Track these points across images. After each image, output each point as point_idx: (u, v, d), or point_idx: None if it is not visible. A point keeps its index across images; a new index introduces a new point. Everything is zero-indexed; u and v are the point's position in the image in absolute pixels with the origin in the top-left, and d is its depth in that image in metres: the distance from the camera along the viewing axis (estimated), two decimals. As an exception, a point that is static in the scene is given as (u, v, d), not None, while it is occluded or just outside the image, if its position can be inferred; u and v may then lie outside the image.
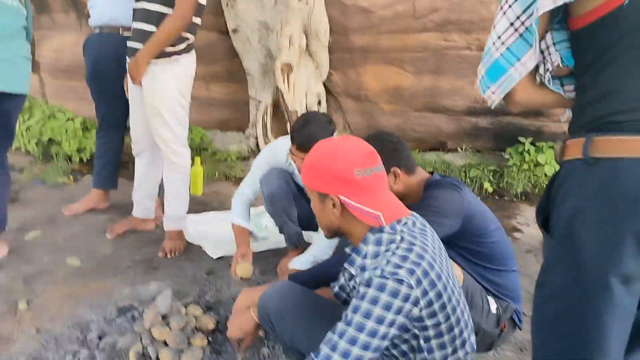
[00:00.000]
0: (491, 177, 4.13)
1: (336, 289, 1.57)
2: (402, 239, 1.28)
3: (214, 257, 2.88)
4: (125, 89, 2.99)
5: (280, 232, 2.75)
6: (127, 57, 2.81)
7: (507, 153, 4.14)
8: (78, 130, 4.53)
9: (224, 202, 3.81)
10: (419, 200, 1.99)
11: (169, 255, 2.87)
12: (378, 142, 2.05)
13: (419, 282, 1.20)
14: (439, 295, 1.23)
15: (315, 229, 2.85)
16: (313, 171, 1.36)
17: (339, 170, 1.29)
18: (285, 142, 2.66)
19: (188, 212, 3.08)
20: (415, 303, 1.20)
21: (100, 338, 2.13)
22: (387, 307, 1.18)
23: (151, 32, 2.62)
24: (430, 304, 1.22)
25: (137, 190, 3.12)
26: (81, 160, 4.50)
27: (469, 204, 1.92)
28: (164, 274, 2.69)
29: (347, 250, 1.45)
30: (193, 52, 2.79)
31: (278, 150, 2.70)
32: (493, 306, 1.93)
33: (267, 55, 4.12)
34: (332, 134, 2.38)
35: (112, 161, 3.41)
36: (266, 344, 2.15)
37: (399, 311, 1.18)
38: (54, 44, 4.68)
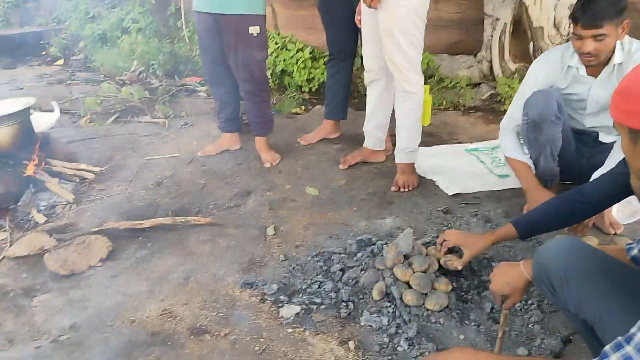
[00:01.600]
0: None
1: (635, 251, 1.26)
2: None
3: (449, 193, 2.70)
4: (356, 13, 2.89)
5: (534, 164, 2.38)
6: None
7: None
8: (307, 61, 4.64)
9: (453, 133, 3.57)
10: None
11: (402, 189, 2.77)
12: None
13: None
14: None
15: (573, 180, 2.44)
16: (625, 97, 1.00)
17: None
18: (561, 46, 2.26)
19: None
20: None
21: (342, 271, 2.14)
22: None
23: None
24: None
25: (368, 121, 3.05)
26: (310, 90, 4.63)
27: None
28: (398, 208, 2.61)
29: None
30: None
31: (553, 55, 2.29)
32: None
33: (510, -35, 3.60)
34: (623, 9, 1.99)
35: (343, 91, 3.40)
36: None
37: None
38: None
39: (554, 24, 3.52)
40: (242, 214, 2.64)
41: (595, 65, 2.15)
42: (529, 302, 1.92)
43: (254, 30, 2.83)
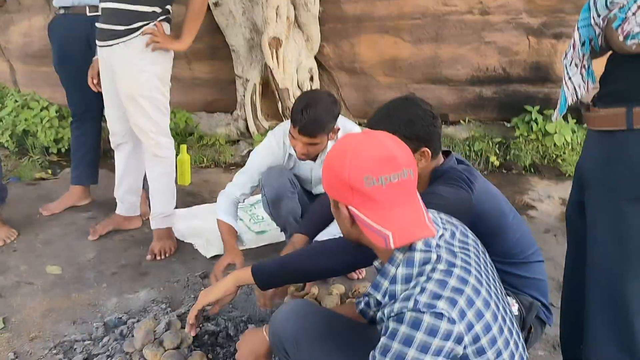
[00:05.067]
0: (497, 150, 3.90)
1: (361, 305, 1.35)
2: (438, 258, 1.04)
3: (208, 256, 2.64)
4: (89, 75, 2.71)
5: (282, 231, 2.49)
6: (96, 40, 2.52)
7: (512, 123, 3.90)
8: (54, 119, 4.22)
9: (214, 191, 3.54)
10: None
11: (158, 257, 2.62)
12: (415, 109, 1.61)
13: (462, 314, 0.97)
14: (488, 328, 1.00)
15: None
16: (325, 173, 1.15)
17: (345, 176, 1.06)
18: (280, 131, 2.40)
19: (176, 207, 2.83)
20: (459, 340, 0.97)
21: (86, 361, 1.89)
22: (424, 349, 0.96)
23: (125, 10, 2.34)
24: (477, 339, 0.99)
25: (118, 187, 2.85)
26: (59, 151, 4.21)
27: (480, 203, 1.56)
28: (153, 279, 2.45)
29: (376, 264, 1.22)
30: (168, 27, 2.50)
31: (275, 142, 2.39)
32: (514, 307, 1.66)
33: (253, 30, 3.80)
34: (337, 116, 2.17)
35: (90, 154, 3.13)
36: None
37: (438, 352, 0.96)
38: (22, 28, 4.31)
39: (298, 85, 3.82)
40: (-42, 310, 2.19)
41: None
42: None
43: None
